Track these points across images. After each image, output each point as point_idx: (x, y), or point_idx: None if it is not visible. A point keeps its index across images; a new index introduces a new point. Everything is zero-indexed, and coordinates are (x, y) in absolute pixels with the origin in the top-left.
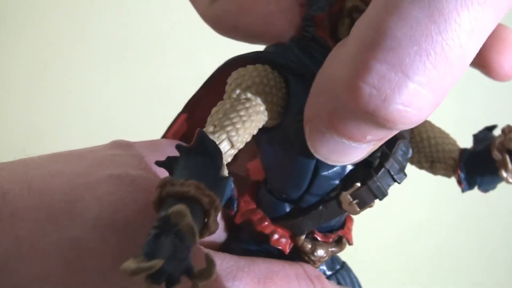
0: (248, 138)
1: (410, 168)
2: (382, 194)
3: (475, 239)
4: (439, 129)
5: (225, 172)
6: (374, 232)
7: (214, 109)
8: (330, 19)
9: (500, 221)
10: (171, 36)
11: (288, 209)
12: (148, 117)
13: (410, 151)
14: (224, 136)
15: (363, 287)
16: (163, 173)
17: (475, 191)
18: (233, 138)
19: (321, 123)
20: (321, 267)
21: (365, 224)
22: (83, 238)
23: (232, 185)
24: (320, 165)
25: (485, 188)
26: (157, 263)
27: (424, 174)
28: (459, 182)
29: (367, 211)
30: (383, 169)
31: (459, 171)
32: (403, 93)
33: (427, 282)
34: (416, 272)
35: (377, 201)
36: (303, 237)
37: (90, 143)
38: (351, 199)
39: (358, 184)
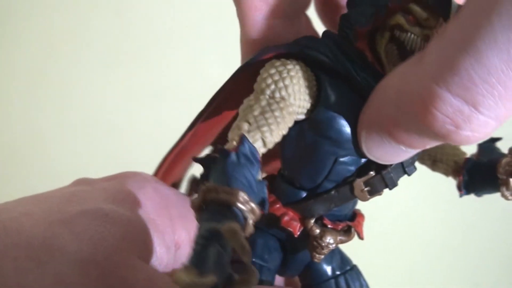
0: (279, 139)
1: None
2: (393, 184)
3: (475, 239)
4: None
5: (260, 176)
6: (374, 232)
7: (247, 102)
8: (371, 33)
9: (501, 221)
10: (171, 37)
11: (303, 195)
12: (148, 117)
13: None
14: (258, 136)
15: None
16: (132, 204)
17: None
18: (266, 139)
19: (381, 130)
20: (330, 265)
21: (365, 224)
22: (65, 274)
23: (265, 188)
24: (340, 155)
25: (480, 195)
26: (212, 280)
27: (425, 174)
28: (459, 188)
29: (366, 211)
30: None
31: (461, 178)
32: (474, 123)
33: (427, 282)
34: (416, 273)
35: (377, 201)
36: (312, 221)
37: (90, 143)
38: (363, 186)
39: (373, 173)
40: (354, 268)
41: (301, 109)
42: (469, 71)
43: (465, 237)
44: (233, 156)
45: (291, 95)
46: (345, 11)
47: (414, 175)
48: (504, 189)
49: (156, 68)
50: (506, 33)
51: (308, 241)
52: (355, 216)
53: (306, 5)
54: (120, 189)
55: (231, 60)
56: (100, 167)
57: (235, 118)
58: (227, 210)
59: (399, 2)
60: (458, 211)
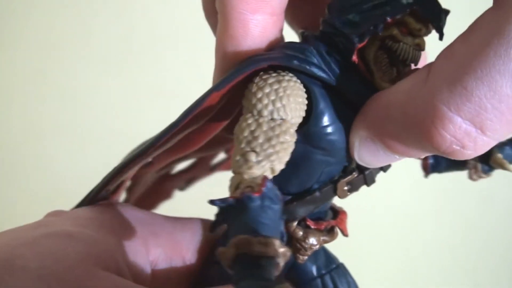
0: (286, 159)
1: (411, 167)
2: (371, 181)
3: (475, 239)
4: None
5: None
6: (373, 232)
7: (245, 126)
8: (361, 41)
9: (501, 221)
10: (173, 38)
11: (286, 199)
12: (149, 118)
13: None
14: (268, 165)
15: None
16: (100, 226)
17: (479, 191)
18: (275, 167)
19: (380, 142)
20: (315, 264)
21: (364, 224)
22: None
23: (282, 221)
24: (331, 162)
25: (441, 172)
26: None
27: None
28: (425, 167)
29: (367, 211)
30: None
31: (428, 158)
32: (478, 144)
33: (427, 282)
34: (416, 273)
35: (377, 201)
36: (295, 223)
37: (90, 143)
38: (345, 186)
39: (356, 174)
40: (340, 266)
41: (296, 124)
42: (481, 98)
43: (465, 237)
44: (258, 201)
45: (289, 114)
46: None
47: (414, 174)
48: (472, 172)
49: (157, 69)
50: None
51: (291, 243)
52: (337, 214)
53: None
54: (89, 215)
55: None
56: (100, 168)
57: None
58: (264, 260)
59: (399, 16)
60: (458, 210)
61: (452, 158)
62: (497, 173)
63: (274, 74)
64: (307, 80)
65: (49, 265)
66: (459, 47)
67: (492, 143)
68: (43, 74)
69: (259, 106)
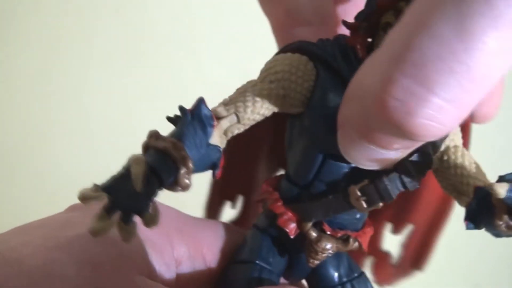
0: (258, 118)
1: None
2: (388, 197)
3: (475, 239)
4: (470, 158)
5: (214, 140)
6: None
7: (241, 85)
8: (367, 31)
9: None
10: (173, 38)
11: (295, 192)
12: (150, 118)
13: (432, 161)
14: (232, 110)
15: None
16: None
17: None
18: (240, 114)
19: (352, 130)
20: (337, 272)
21: None
22: None
23: (219, 154)
24: (327, 152)
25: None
26: (102, 195)
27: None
28: (464, 218)
29: None
30: (393, 173)
31: (468, 207)
32: (427, 107)
33: (427, 282)
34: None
35: None
36: (310, 224)
37: (90, 143)
38: (359, 194)
39: (366, 181)
40: (361, 275)
41: (293, 100)
42: (420, 46)
43: (465, 236)
44: (189, 117)
45: (282, 82)
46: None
47: None
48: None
49: (157, 69)
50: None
51: (305, 244)
52: (362, 226)
53: (327, 9)
54: None
55: (232, 62)
56: (101, 168)
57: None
58: (162, 155)
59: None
60: (458, 210)
61: (412, 137)
62: (497, 173)
63: (286, 53)
64: (321, 67)
65: (87, 273)
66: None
67: (451, 111)
68: (46, 74)
69: (261, 72)
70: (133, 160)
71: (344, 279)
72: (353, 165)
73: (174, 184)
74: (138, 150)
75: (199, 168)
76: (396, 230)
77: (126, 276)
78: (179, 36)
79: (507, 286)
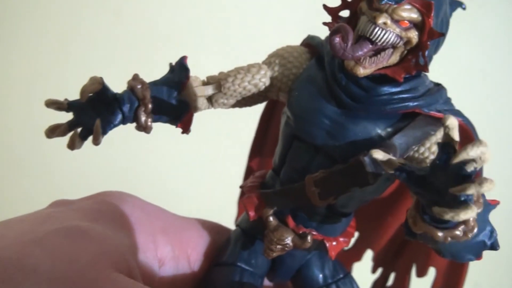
0: (241, 90)
1: None
2: (339, 191)
3: None
4: None
5: (186, 97)
6: None
7: None
8: (349, 20)
9: (501, 221)
10: (172, 37)
11: (273, 180)
12: None
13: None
14: (217, 78)
15: (361, 286)
16: (111, 222)
17: None
18: (222, 81)
19: None
20: (322, 273)
21: None
22: None
23: (185, 109)
24: (297, 134)
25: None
26: (63, 102)
27: None
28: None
29: None
30: (348, 167)
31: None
32: None
33: (426, 282)
34: None
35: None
36: (271, 211)
37: (90, 142)
38: (314, 186)
39: (322, 172)
40: (347, 276)
41: (281, 84)
42: None
43: None
44: (170, 69)
45: (276, 65)
46: None
47: None
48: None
49: (157, 69)
50: None
51: (265, 233)
52: (340, 235)
53: None
54: (98, 207)
55: (232, 62)
56: (101, 167)
57: None
58: (129, 91)
59: None
60: None
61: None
62: (497, 173)
63: (295, 45)
64: (316, 58)
65: (62, 267)
66: None
67: None
68: (46, 74)
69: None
70: (91, 78)
71: (329, 280)
72: (316, 154)
73: (135, 120)
74: (138, 149)
75: (160, 114)
76: (419, 273)
77: (101, 272)
78: (179, 36)
79: (507, 286)
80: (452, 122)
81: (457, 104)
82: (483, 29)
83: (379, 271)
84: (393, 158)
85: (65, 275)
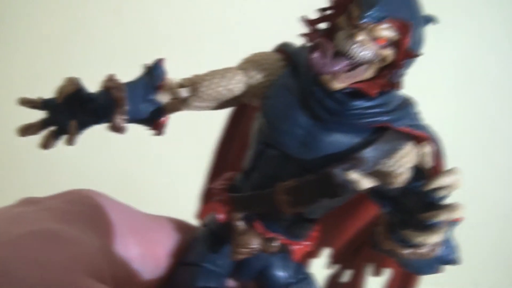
0: (216, 95)
1: None
2: (309, 202)
3: (475, 239)
4: None
5: (161, 99)
6: None
7: None
8: (326, 33)
9: (501, 221)
10: (172, 37)
11: (243, 183)
12: None
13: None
14: (192, 81)
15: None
16: (81, 223)
17: (478, 190)
18: (197, 85)
19: None
20: (284, 273)
21: None
22: None
23: (159, 112)
24: (270, 142)
25: None
26: (38, 100)
27: None
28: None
29: None
30: (319, 180)
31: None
32: None
33: (426, 282)
34: None
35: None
36: (239, 215)
37: (90, 142)
38: (283, 194)
39: (293, 181)
40: (308, 277)
41: (255, 89)
42: None
43: (465, 237)
44: (145, 70)
45: (250, 70)
46: None
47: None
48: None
49: None
50: None
51: (233, 236)
52: (305, 238)
53: None
54: (68, 208)
55: (232, 61)
56: (101, 167)
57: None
58: (105, 92)
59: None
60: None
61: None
62: (497, 173)
63: (269, 51)
64: (291, 66)
65: (35, 274)
66: None
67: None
68: (46, 74)
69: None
70: (67, 79)
71: (291, 280)
72: (288, 162)
73: (109, 120)
74: (138, 149)
75: (135, 116)
76: (376, 272)
77: (73, 277)
78: (179, 36)
79: (507, 286)
80: (427, 150)
81: (455, 105)
82: (473, 29)
83: (335, 267)
84: (366, 179)
85: (36, 280)
